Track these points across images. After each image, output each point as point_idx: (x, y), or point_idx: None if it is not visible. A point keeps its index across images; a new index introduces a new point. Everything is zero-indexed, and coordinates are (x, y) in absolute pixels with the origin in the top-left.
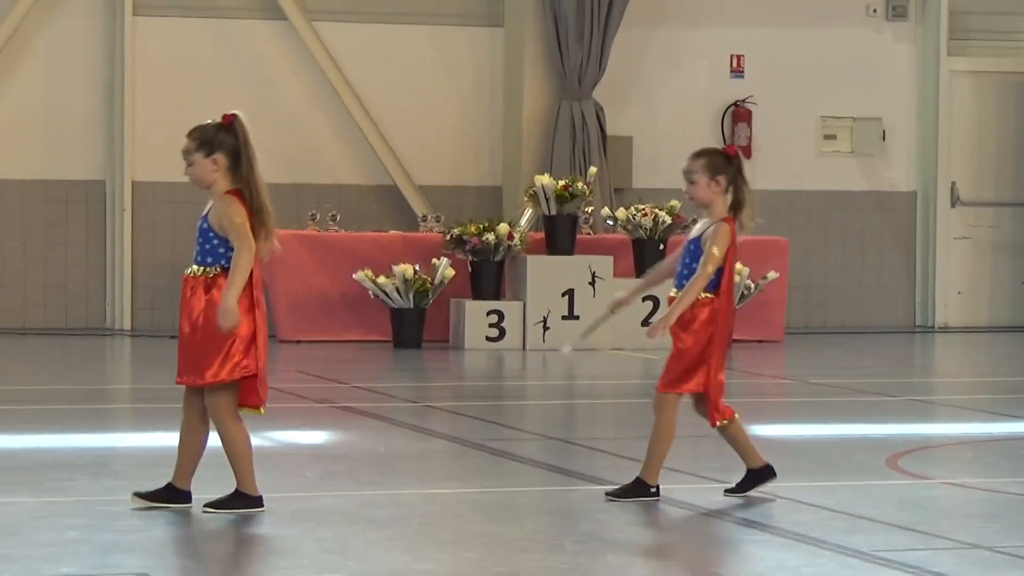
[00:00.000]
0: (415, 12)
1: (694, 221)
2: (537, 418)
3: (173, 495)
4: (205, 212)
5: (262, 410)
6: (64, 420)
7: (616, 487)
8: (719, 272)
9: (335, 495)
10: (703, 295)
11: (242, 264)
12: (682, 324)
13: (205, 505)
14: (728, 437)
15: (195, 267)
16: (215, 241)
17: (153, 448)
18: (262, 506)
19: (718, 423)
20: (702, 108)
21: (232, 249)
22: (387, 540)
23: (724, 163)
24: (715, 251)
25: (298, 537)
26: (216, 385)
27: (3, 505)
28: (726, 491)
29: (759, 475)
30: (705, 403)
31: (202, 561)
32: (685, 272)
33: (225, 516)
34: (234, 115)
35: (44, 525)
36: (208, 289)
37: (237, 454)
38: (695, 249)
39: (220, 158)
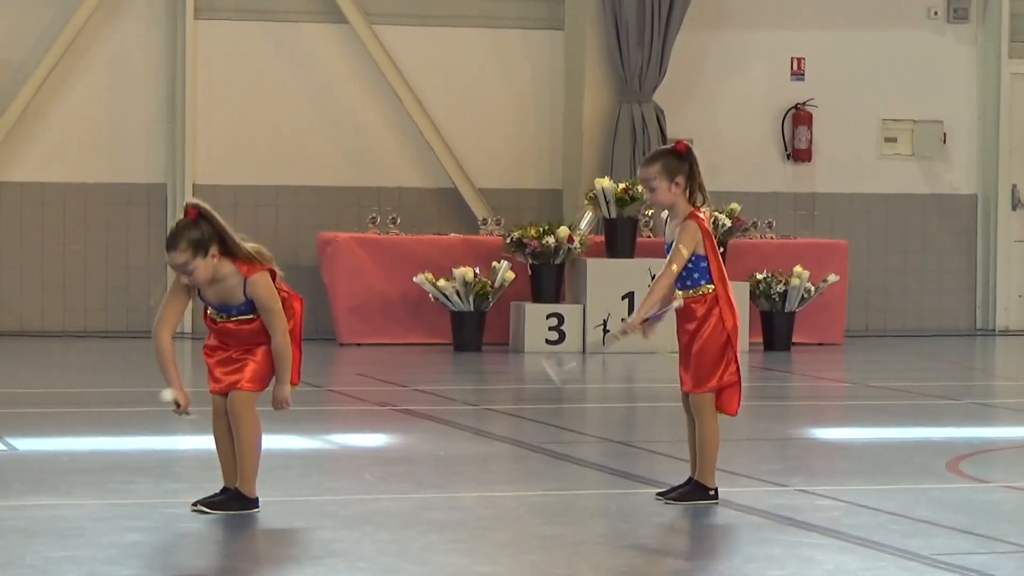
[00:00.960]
0: (475, 15)
1: (753, 224)
2: (596, 421)
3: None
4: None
5: None
6: (126, 423)
7: (669, 489)
8: (707, 265)
9: (395, 498)
10: (703, 289)
11: (285, 355)
12: (696, 322)
13: (195, 503)
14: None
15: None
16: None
17: (213, 451)
18: (258, 507)
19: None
20: (762, 111)
21: None
22: (446, 543)
23: (678, 163)
24: (682, 249)
25: (357, 539)
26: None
27: (67, 507)
28: (658, 495)
29: (702, 490)
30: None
31: (261, 563)
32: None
33: (285, 518)
34: (196, 207)
35: (106, 527)
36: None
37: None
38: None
39: (214, 251)
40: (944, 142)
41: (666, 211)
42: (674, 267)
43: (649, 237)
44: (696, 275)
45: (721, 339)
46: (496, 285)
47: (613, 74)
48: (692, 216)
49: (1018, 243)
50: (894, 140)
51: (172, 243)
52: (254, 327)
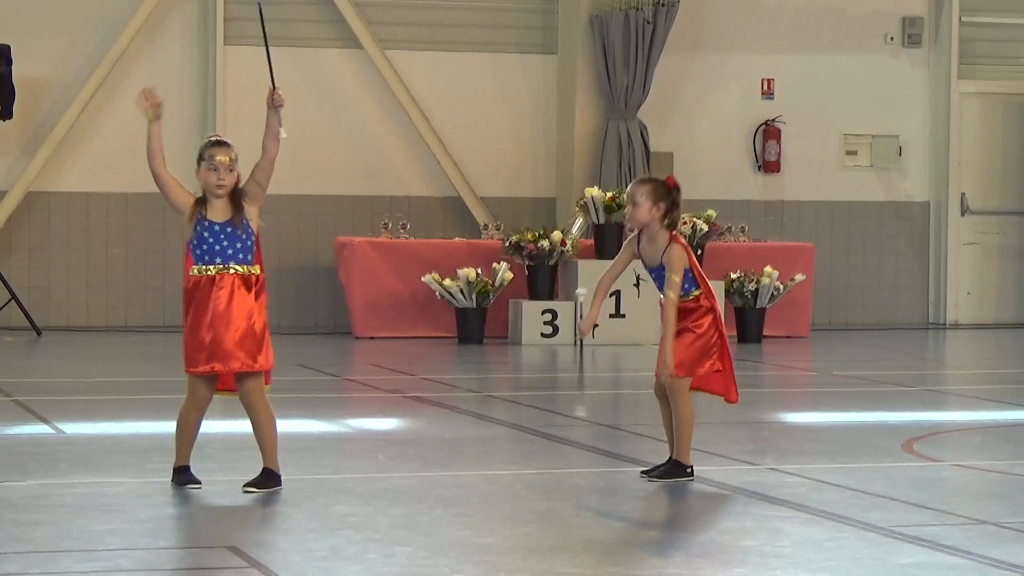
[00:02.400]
0: (477, 41)
1: (728, 229)
2: (587, 406)
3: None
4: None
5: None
6: (162, 409)
7: (652, 467)
8: (693, 275)
9: (405, 476)
10: (693, 294)
11: None
12: (692, 319)
13: (245, 485)
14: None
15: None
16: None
17: (241, 434)
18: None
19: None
20: (736, 127)
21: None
22: (452, 516)
23: (666, 192)
24: (675, 279)
25: (372, 513)
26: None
27: (110, 485)
28: (642, 473)
29: (680, 468)
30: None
31: (285, 535)
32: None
33: (308, 494)
34: None
35: (145, 503)
36: (251, 286)
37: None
38: (662, 272)
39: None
40: (900, 154)
41: (635, 230)
42: (671, 295)
43: None
44: (686, 285)
45: (712, 337)
46: (496, 284)
47: (601, 94)
48: (674, 240)
49: (967, 246)
50: (855, 153)
51: (223, 142)
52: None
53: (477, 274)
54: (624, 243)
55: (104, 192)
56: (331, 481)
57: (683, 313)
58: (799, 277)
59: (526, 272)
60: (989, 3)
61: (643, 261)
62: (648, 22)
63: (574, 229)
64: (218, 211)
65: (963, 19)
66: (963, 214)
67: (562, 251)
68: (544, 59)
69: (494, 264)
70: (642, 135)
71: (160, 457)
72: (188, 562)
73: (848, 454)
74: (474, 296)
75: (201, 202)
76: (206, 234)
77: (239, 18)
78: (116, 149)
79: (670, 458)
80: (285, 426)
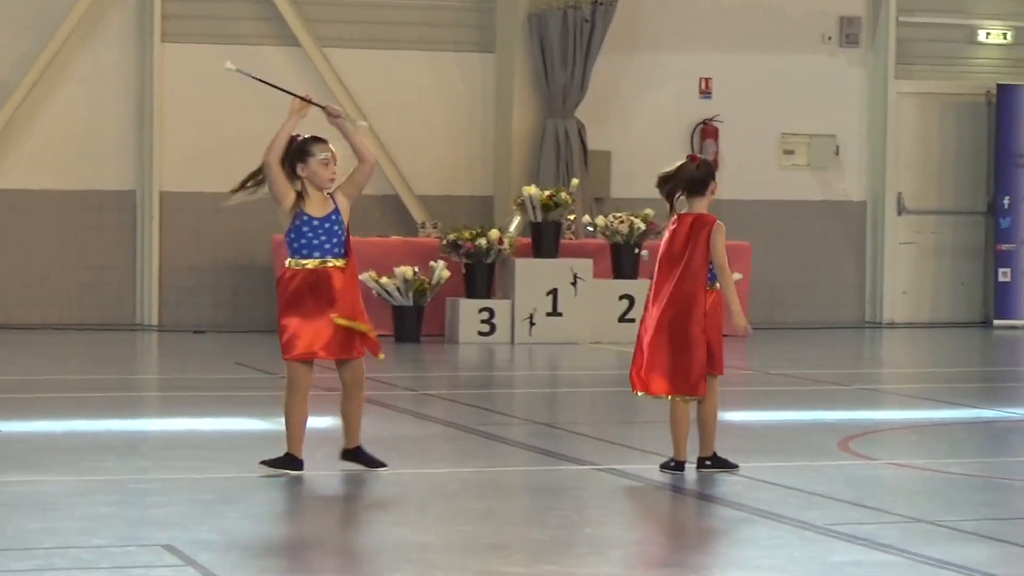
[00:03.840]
0: (415, 40)
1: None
2: (524, 405)
3: (359, 455)
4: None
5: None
6: (98, 407)
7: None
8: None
9: (341, 474)
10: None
11: None
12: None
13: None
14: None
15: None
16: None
17: (177, 432)
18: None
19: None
20: (674, 126)
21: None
22: (389, 515)
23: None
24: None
25: (309, 511)
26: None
27: (44, 483)
28: (698, 468)
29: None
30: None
31: (221, 533)
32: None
33: (241, 492)
34: None
35: (80, 501)
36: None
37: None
38: None
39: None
40: (837, 154)
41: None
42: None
43: (571, 239)
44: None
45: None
46: (433, 282)
47: (539, 92)
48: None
49: (903, 245)
50: (792, 152)
51: (322, 138)
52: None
53: (414, 272)
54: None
55: (40, 189)
56: (267, 480)
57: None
58: (736, 276)
59: (463, 270)
60: (926, 3)
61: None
62: (586, 21)
63: (511, 227)
64: (316, 206)
65: (900, 19)
66: (900, 213)
67: (499, 249)
68: (482, 57)
69: (431, 262)
70: (580, 134)
71: (94, 455)
72: (123, 560)
73: (785, 453)
74: (411, 294)
75: (300, 196)
76: (304, 228)
77: (177, 15)
78: (52, 147)
79: (703, 457)
80: (221, 424)
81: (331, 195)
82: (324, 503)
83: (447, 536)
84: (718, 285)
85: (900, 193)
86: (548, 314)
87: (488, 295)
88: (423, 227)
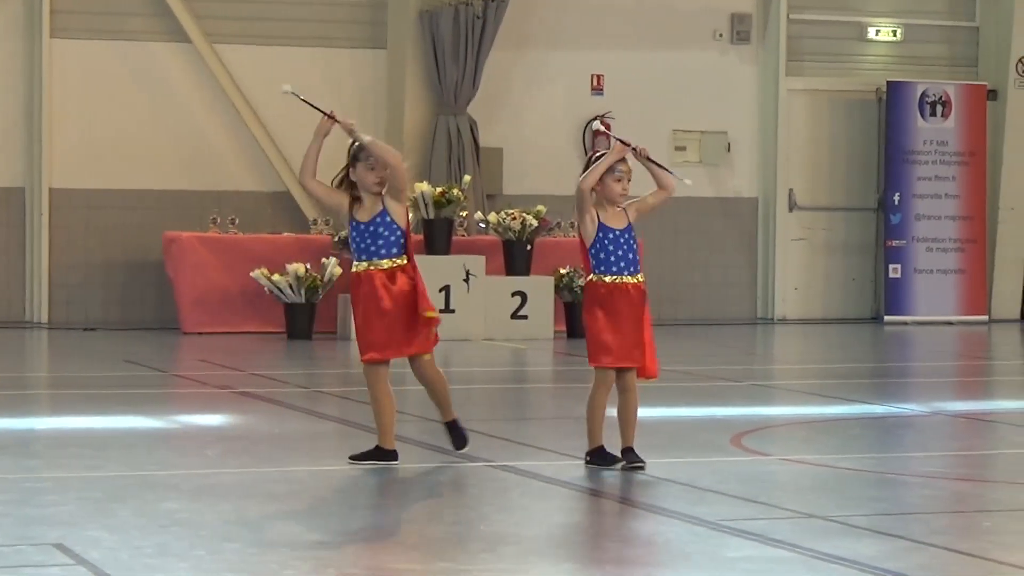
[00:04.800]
0: (306, 36)
1: (558, 224)
2: (417, 402)
3: (384, 454)
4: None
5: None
6: None
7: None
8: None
9: (234, 472)
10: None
11: None
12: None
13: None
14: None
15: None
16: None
17: (67, 430)
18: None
19: None
20: (565, 122)
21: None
22: (281, 513)
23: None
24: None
25: (200, 510)
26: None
27: None
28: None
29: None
30: None
31: (112, 532)
32: (636, 257)
33: (134, 491)
34: None
35: None
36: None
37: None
38: (634, 235)
39: None
40: (728, 151)
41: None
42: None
43: (463, 236)
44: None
45: None
46: (325, 279)
47: (431, 89)
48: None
49: (794, 241)
50: (684, 149)
51: None
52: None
53: (306, 269)
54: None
55: None
56: (158, 477)
57: (643, 300)
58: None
59: None
60: (817, 0)
61: (610, 227)
62: (478, 17)
63: None
64: (365, 211)
65: (791, 16)
66: (791, 210)
67: None
68: (374, 54)
69: (323, 259)
70: (472, 130)
71: None
72: (13, 560)
73: (676, 449)
74: (303, 291)
75: (358, 201)
76: (353, 232)
77: (66, 11)
78: None
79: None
80: (112, 422)
81: (383, 199)
82: (218, 501)
83: (341, 533)
84: (605, 277)
85: (791, 190)
86: (440, 310)
87: None
88: (315, 224)
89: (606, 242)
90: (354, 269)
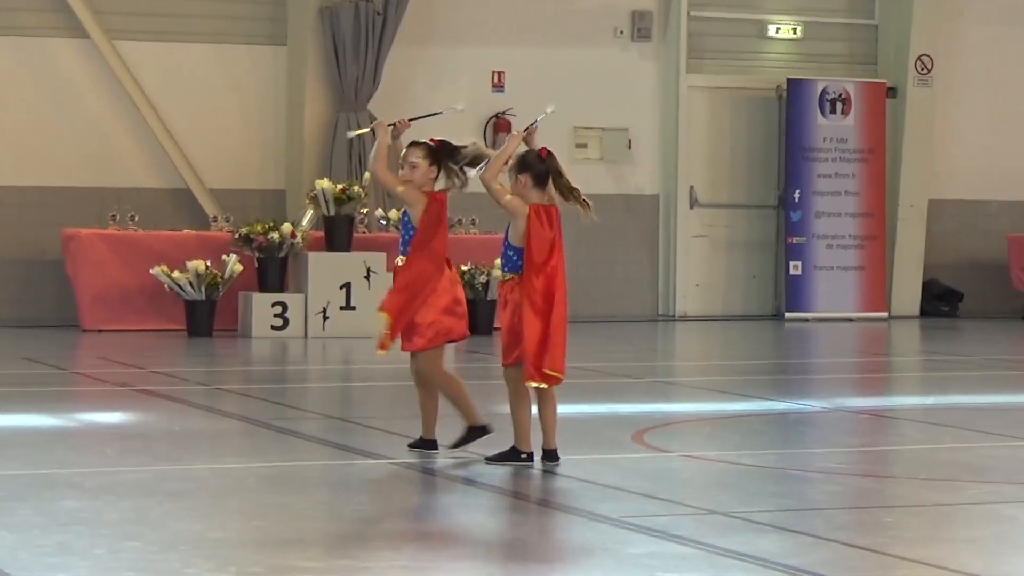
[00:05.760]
0: (206, 32)
1: (459, 222)
2: (318, 399)
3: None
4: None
5: None
6: None
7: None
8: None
9: (134, 470)
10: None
11: None
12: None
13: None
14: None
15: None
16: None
17: (8, 428)
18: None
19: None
20: (467, 119)
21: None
22: (182, 510)
23: (520, 164)
24: (509, 197)
25: (100, 508)
26: None
27: None
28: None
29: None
30: None
31: (11, 531)
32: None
33: (34, 490)
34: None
35: None
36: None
37: None
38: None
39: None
40: (629, 148)
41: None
42: (497, 184)
43: (364, 233)
44: (516, 261)
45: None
46: (226, 276)
47: (331, 85)
48: (531, 207)
49: (695, 238)
50: (585, 146)
51: (415, 142)
52: None
53: (206, 266)
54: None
55: None
56: (58, 476)
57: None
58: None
59: (256, 264)
60: None
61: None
62: (378, 14)
63: (304, 221)
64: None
65: (692, 14)
66: (692, 207)
67: (292, 243)
68: (274, 50)
69: (224, 256)
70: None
71: None
72: None
73: (579, 445)
74: (203, 289)
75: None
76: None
77: None
78: None
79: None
80: (10, 421)
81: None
82: (118, 499)
83: (242, 531)
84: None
85: (692, 187)
86: (342, 308)
87: (281, 289)
88: (215, 221)
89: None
90: None
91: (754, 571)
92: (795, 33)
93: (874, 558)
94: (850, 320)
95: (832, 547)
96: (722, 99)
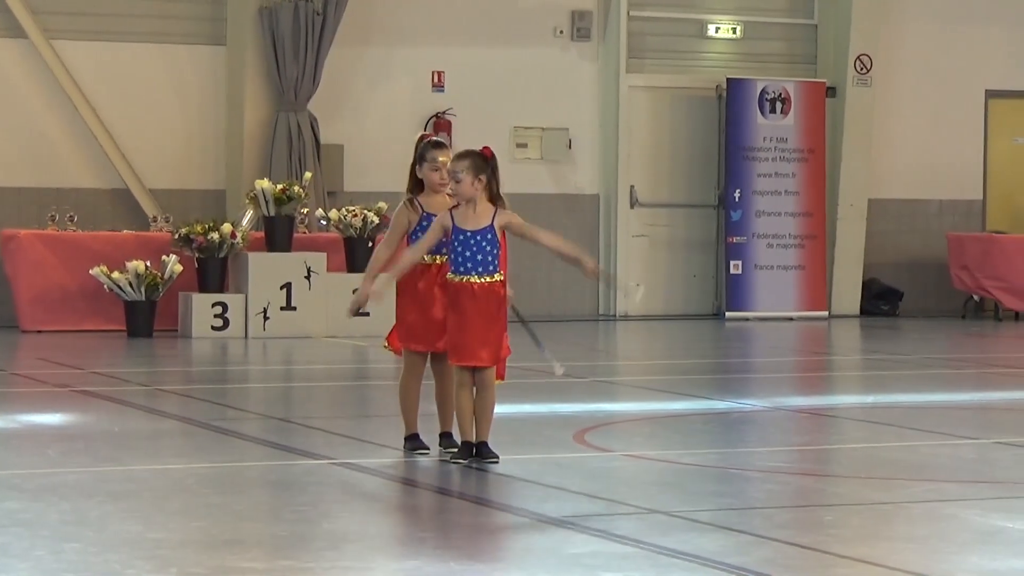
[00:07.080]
0: (145, 31)
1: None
2: (258, 399)
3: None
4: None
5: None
6: None
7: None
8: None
9: (74, 471)
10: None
11: None
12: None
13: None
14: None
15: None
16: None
17: None
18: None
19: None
20: (407, 119)
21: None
22: (122, 512)
23: (484, 164)
24: (536, 229)
25: (40, 510)
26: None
27: None
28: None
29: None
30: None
31: None
32: (488, 258)
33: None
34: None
35: None
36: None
37: None
38: (492, 238)
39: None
40: (570, 147)
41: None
42: (550, 235)
43: (305, 233)
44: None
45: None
46: (166, 277)
47: (271, 85)
48: (500, 206)
49: (636, 237)
50: (525, 146)
51: (440, 143)
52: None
53: (146, 267)
54: (435, 222)
55: None
56: None
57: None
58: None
59: (196, 265)
60: None
61: (462, 228)
62: (318, 14)
63: (244, 221)
64: (433, 208)
65: (632, 13)
66: (632, 206)
67: (232, 243)
68: (213, 50)
69: (163, 257)
70: (312, 127)
71: None
72: None
73: (520, 445)
74: (143, 289)
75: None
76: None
77: None
78: None
79: (467, 442)
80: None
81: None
82: (59, 501)
83: (182, 532)
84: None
85: (633, 186)
86: (282, 308)
87: (221, 289)
88: (155, 221)
89: (455, 243)
90: None
91: (695, 570)
92: (735, 33)
93: (815, 556)
94: (791, 319)
95: (773, 546)
96: (662, 99)
